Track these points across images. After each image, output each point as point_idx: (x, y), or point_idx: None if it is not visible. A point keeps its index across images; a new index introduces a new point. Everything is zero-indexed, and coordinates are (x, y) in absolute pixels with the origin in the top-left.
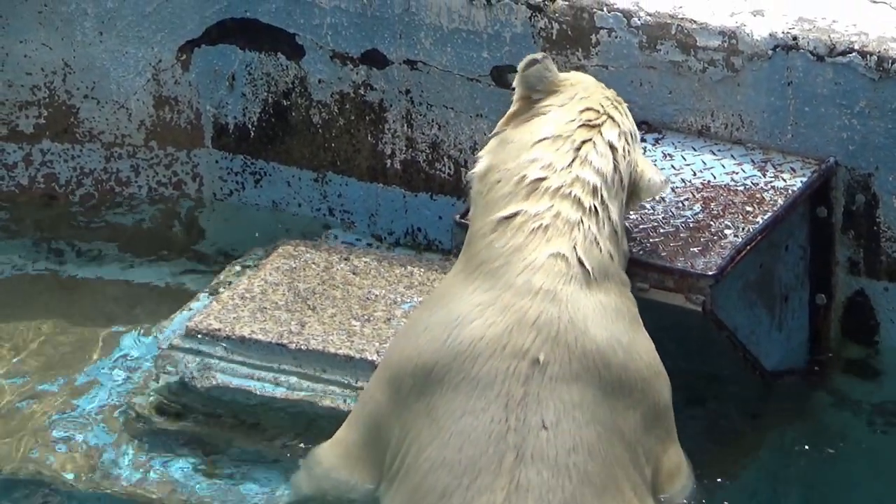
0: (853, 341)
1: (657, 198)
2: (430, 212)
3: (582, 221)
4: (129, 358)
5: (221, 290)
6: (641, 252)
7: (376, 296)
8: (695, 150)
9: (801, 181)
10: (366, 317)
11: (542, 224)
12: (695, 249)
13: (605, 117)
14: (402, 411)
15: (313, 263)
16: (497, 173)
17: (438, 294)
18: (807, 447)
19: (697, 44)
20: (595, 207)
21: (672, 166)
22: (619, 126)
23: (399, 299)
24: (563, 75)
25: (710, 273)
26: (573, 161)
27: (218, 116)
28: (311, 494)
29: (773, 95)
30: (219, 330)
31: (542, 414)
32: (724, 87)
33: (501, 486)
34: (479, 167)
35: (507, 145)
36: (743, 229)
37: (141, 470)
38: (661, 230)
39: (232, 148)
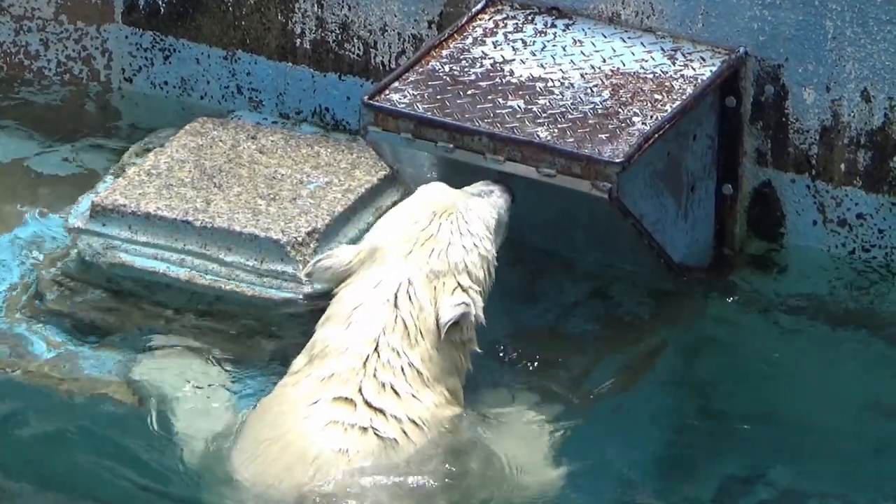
0: (758, 233)
1: (566, 84)
2: (338, 92)
3: (363, 376)
4: (34, 236)
5: (127, 168)
6: (549, 137)
7: (282, 175)
8: (605, 36)
9: (711, 70)
10: (271, 196)
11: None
12: (602, 136)
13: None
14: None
15: (220, 141)
16: (321, 328)
17: (278, 398)
18: (707, 340)
19: None
20: (374, 364)
21: (581, 52)
22: (398, 280)
23: (305, 179)
24: (355, 250)
25: (618, 160)
26: (348, 327)
27: None
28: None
29: None
30: (124, 206)
31: None
32: None
33: None
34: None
35: (332, 306)
36: (651, 117)
37: (38, 348)
38: (569, 116)
39: (142, 24)
